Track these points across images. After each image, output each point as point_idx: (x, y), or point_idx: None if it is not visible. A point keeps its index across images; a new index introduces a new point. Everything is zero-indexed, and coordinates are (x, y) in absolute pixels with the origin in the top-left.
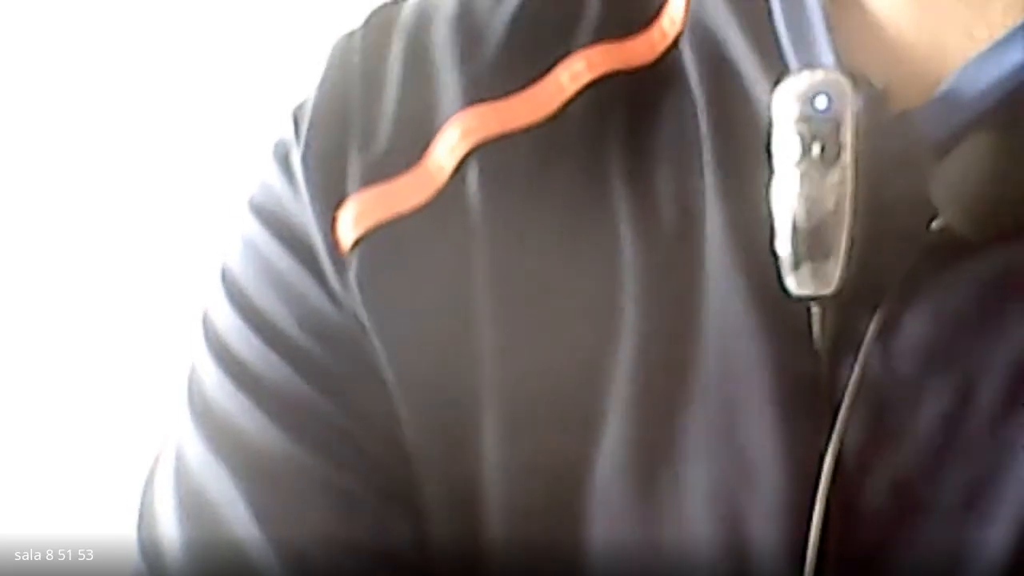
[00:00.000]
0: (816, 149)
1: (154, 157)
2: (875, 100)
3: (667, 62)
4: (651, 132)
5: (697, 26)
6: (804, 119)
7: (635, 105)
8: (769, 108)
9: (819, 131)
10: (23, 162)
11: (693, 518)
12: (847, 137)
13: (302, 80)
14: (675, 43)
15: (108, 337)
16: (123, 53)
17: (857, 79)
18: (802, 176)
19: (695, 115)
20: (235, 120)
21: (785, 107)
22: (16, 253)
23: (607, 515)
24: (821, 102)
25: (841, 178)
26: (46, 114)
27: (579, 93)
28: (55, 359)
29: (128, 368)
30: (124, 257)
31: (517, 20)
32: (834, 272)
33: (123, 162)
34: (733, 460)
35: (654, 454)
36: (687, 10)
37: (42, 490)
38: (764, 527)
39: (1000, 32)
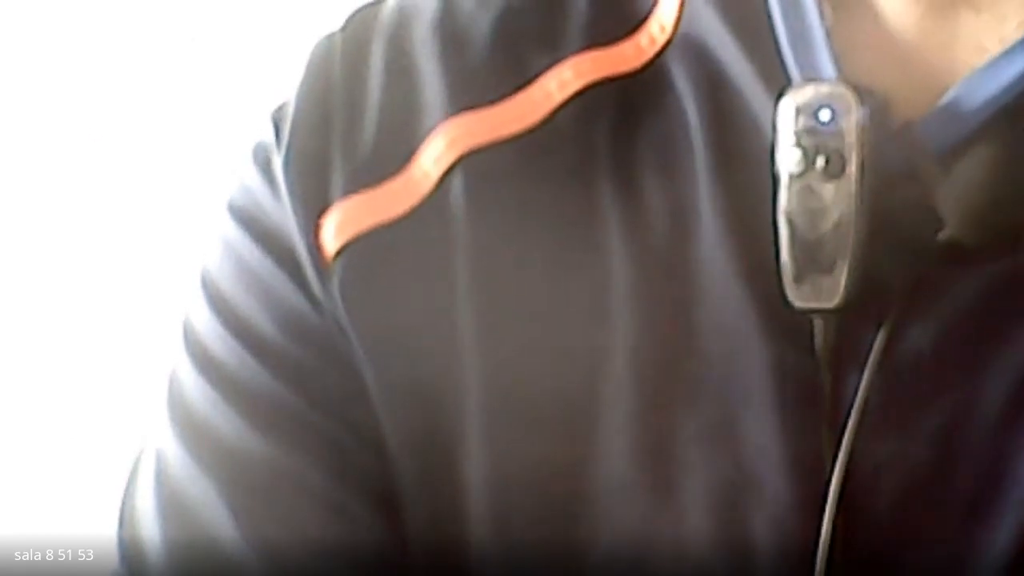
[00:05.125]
0: (820, 162)
1: (134, 159)
2: (879, 111)
3: (655, 69)
4: (639, 140)
5: (688, 34)
6: (808, 132)
7: (623, 113)
8: (768, 118)
9: (823, 144)
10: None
11: (694, 526)
12: (851, 150)
13: (280, 81)
14: (664, 49)
15: (109, 338)
16: (100, 53)
17: (861, 91)
18: (805, 189)
19: (685, 123)
20: (214, 121)
21: (788, 120)
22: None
23: (603, 523)
24: (825, 115)
25: (846, 191)
26: (23, 115)
27: (567, 101)
28: (55, 360)
29: (129, 369)
30: (111, 261)
31: (502, 23)
32: (838, 285)
33: (103, 164)
34: (734, 466)
35: (652, 461)
36: (678, 17)
37: (42, 490)
38: (767, 535)
39: None
